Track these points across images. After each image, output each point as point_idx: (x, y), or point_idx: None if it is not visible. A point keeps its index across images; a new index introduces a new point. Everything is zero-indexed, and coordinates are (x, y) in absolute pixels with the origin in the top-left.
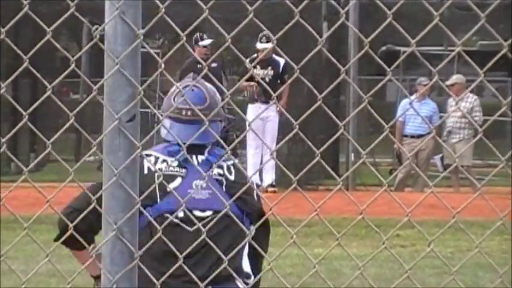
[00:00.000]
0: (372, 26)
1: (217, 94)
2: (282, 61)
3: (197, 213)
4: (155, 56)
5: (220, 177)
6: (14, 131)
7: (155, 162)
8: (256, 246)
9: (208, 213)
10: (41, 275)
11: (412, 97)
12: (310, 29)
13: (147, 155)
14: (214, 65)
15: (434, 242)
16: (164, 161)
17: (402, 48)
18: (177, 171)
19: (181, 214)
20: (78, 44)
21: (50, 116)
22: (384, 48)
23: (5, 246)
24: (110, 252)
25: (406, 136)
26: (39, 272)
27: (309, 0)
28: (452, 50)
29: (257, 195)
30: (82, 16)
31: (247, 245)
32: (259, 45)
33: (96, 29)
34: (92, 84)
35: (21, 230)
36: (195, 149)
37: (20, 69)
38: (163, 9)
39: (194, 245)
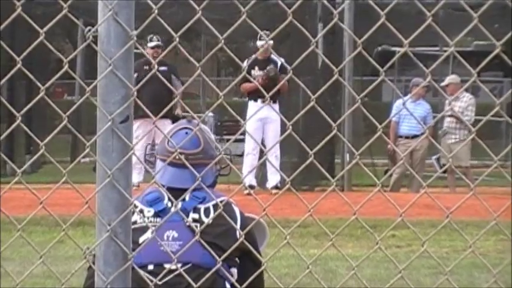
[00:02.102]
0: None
1: (212, 136)
2: (279, 61)
3: (167, 266)
4: (148, 57)
5: (195, 223)
6: (6, 133)
7: (134, 213)
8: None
9: (178, 265)
10: (37, 277)
11: (406, 98)
12: (303, 29)
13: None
14: (162, 68)
15: (430, 242)
16: (141, 211)
17: (397, 49)
18: (150, 222)
19: (151, 267)
20: (74, 45)
21: (45, 117)
22: (379, 48)
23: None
24: (104, 253)
25: (400, 137)
26: (35, 273)
27: (305, 0)
28: (447, 51)
29: (242, 223)
30: (77, 17)
31: None
32: (259, 43)
33: (89, 30)
34: (85, 86)
35: (18, 231)
36: (178, 193)
37: (13, 71)
38: (156, 11)
39: None
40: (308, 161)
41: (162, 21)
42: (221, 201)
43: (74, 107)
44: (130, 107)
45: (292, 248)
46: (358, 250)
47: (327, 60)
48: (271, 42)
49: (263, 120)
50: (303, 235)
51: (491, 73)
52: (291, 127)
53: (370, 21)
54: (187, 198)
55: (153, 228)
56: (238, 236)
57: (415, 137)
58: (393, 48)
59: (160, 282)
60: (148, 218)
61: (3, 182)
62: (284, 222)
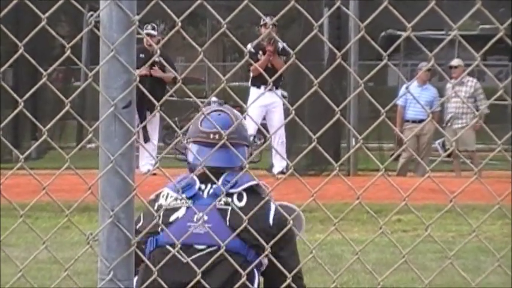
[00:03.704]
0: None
1: (244, 121)
2: (281, 45)
3: (197, 247)
4: (151, 42)
5: (225, 207)
6: (9, 118)
7: (166, 198)
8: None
9: (203, 247)
10: (42, 262)
11: (409, 83)
12: (306, 14)
13: (161, 193)
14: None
15: (435, 226)
16: (172, 196)
17: (403, 33)
18: (182, 204)
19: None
20: (79, 31)
21: (50, 103)
22: (384, 33)
23: (7, 234)
24: (107, 239)
25: (407, 121)
26: (40, 259)
27: None
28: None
29: (276, 209)
30: (83, 2)
31: (257, 279)
32: (262, 29)
33: (91, 15)
34: (87, 71)
35: (23, 217)
36: (213, 174)
37: (15, 56)
38: None
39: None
40: (311, 146)
41: (165, 6)
42: (254, 185)
43: (76, 92)
44: (132, 92)
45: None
46: (364, 235)
47: (330, 45)
48: (273, 28)
49: (267, 107)
50: (309, 220)
51: (497, 57)
52: (293, 112)
53: (377, 5)
54: (219, 182)
55: (184, 208)
56: (271, 223)
57: (421, 121)
58: (399, 33)
59: (184, 261)
60: (180, 200)
61: (9, 168)
62: None
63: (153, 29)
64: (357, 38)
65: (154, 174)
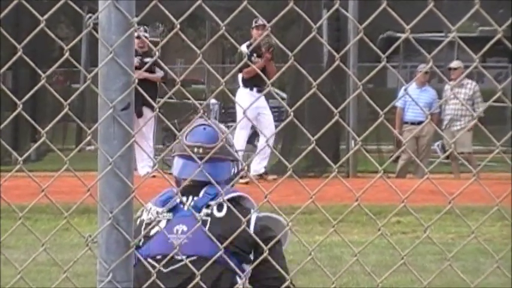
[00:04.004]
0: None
1: (230, 136)
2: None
3: (177, 257)
4: (149, 44)
5: (205, 218)
6: (8, 120)
7: (148, 213)
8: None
9: (183, 257)
10: (41, 264)
11: (408, 84)
12: (304, 15)
13: (145, 208)
14: (147, 59)
15: (435, 228)
16: (154, 210)
17: (403, 35)
18: (164, 217)
19: (159, 258)
20: (79, 33)
21: (50, 105)
22: (384, 35)
23: (7, 236)
24: (106, 241)
25: (406, 123)
26: (40, 261)
27: None
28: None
29: (257, 219)
30: (82, 3)
31: (241, 286)
32: (255, 31)
33: (90, 17)
34: (86, 73)
35: (23, 219)
36: (195, 187)
37: (14, 58)
38: None
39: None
40: (310, 148)
41: (163, 8)
42: (236, 197)
43: (75, 94)
44: (131, 94)
45: (297, 234)
46: (363, 236)
47: (328, 47)
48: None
49: (258, 109)
50: (308, 222)
51: (496, 59)
52: (292, 114)
53: (376, 7)
54: (200, 195)
55: (165, 221)
56: (251, 232)
57: (421, 123)
58: (398, 34)
59: (165, 270)
60: (161, 213)
61: (9, 170)
62: (289, 209)
63: (145, 31)
64: (355, 39)
65: (154, 176)
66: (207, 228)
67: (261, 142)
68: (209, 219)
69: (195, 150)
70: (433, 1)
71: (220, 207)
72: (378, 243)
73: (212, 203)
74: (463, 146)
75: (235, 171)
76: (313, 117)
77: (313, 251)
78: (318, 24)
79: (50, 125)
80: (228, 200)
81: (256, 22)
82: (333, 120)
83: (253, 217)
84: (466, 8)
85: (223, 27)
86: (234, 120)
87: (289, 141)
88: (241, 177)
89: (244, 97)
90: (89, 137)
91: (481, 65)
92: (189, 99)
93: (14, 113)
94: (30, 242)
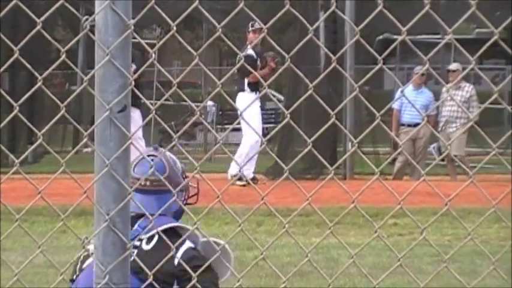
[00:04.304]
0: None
1: (178, 163)
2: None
3: None
4: (146, 46)
5: (132, 251)
6: (4, 122)
7: (88, 243)
8: None
9: None
10: (38, 266)
11: (404, 86)
12: (301, 18)
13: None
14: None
15: (432, 230)
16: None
17: (399, 37)
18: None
19: None
20: (76, 35)
21: (48, 108)
22: (380, 37)
23: (3, 238)
24: (102, 243)
25: (403, 125)
26: (36, 263)
27: None
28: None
29: (185, 250)
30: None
31: None
32: (251, 35)
33: (87, 19)
34: (82, 75)
35: (20, 221)
36: (132, 219)
37: (10, 60)
38: (153, 0)
39: None
40: (306, 149)
41: (160, 10)
42: (167, 229)
43: (71, 96)
44: (128, 96)
45: (294, 236)
46: (360, 238)
47: (325, 49)
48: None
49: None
50: (305, 224)
51: (493, 61)
52: (289, 115)
53: (373, 9)
54: (134, 228)
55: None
56: (175, 264)
57: (417, 125)
58: (395, 36)
59: None
60: None
61: (6, 172)
62: (286, 211)
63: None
64: (352, 41)
65: None
66: (130, 261)
67: (242, 149)
68: (135, 252)
69: (142, 182)
70: (430, 3)
71: (149, 240)
72: (374, 245)
73: (143, 236)
74: (456, 149)
75: (185, 199)
76: (310, 119)
77: (310, 253)
78: (314, 26)
79: (47, 127)
80: (163, 231)
81: (252, 26)
82: (330, 122)
83: (183, 248)
84: (462, 10)
85: (220, 29)
86: (230, 123)
87: (285, 143)
88: (239, 179)
89: (247, 99)
90: (85, 139)
91: (478, 67)
92: (185, 101)
93: (11, 115)
94: (27, 244)
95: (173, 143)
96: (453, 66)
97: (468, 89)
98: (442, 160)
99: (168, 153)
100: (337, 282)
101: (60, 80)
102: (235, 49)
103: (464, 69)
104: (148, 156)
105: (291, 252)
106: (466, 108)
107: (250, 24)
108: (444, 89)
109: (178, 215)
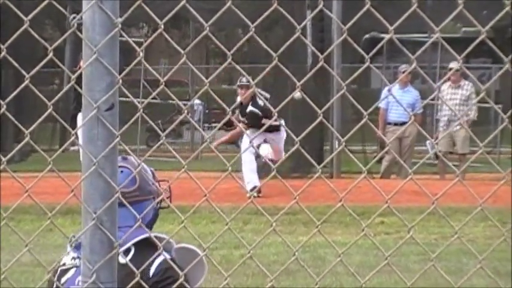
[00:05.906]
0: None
1: (148, 171)
2: (261, 102)
3: None
4: (133, 45)
5: None
6: None
7: (66, 256)
8: None
9: None
10: (25, 265)
11: (391, 85)
12: (288, 16)
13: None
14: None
15: (418, 228)
16: (69, 254)
17: (386, 36)
18: (75, 263)
19: None
20: (63, 33)
21: (35, 106)
22: (368, 36)
23: None
24: (90, 242)
25: (389, 124)
26: (24, 262)
27: None
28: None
29: (161, 261)
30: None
31: None
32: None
33: (74, 17)
34: (70, 73)
35: (7, 220)
36: None
37: None
38: None
39: None
40: (294, 148)
41: (147, 9)
42: (142, 240)
43: (59, 95)
44: (115, 94)
45: (281, 235)
46: (347, 237)
47: (312, 47)
48: (253, 88)
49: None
50: (292, 222)
51: (480, 60)
52: (276, 114)
53: (361, 8)
54: None
55: (74, 269)
56: (150, 275)
57: (403, 124)
58: (382, 35)
59: None
60: (74, 259)
61: None
62: (273, 209)
63: None
64: (339, 40)
65: None
66: None
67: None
68: None
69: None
70: (417, 2)
71: (127, 252)
72: (361, 244)
73: (123, 248)
74: (462, 147)
75: (158, 206)
76: (296, 118)
77: (297, 252)
78: (301, 25)
79: (34, 126)
80: (138, 242)
81: (240, 81)
82: (317, 121)
83: (158, 260)
84: (449, 9)
85: (208, 28)
86: (217, 121)
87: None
88: (258, 192)
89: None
90: (72, 138)
91: (465, 66)
92: (173, 99)
93: None
94: (14, 243)
95: (160, 142)
96: (454, 64)
97: (467, 87)
98: (436, 158)
99: (135, 161)
100: (324, 281)
101: (60, 81)
102: (223, 48)
103: (450, 68)
104: (118, 167)
105: (277, 251)
106: (465, 106)
107: (238, 80)
108: (444, 87)
109: (152, 223)
